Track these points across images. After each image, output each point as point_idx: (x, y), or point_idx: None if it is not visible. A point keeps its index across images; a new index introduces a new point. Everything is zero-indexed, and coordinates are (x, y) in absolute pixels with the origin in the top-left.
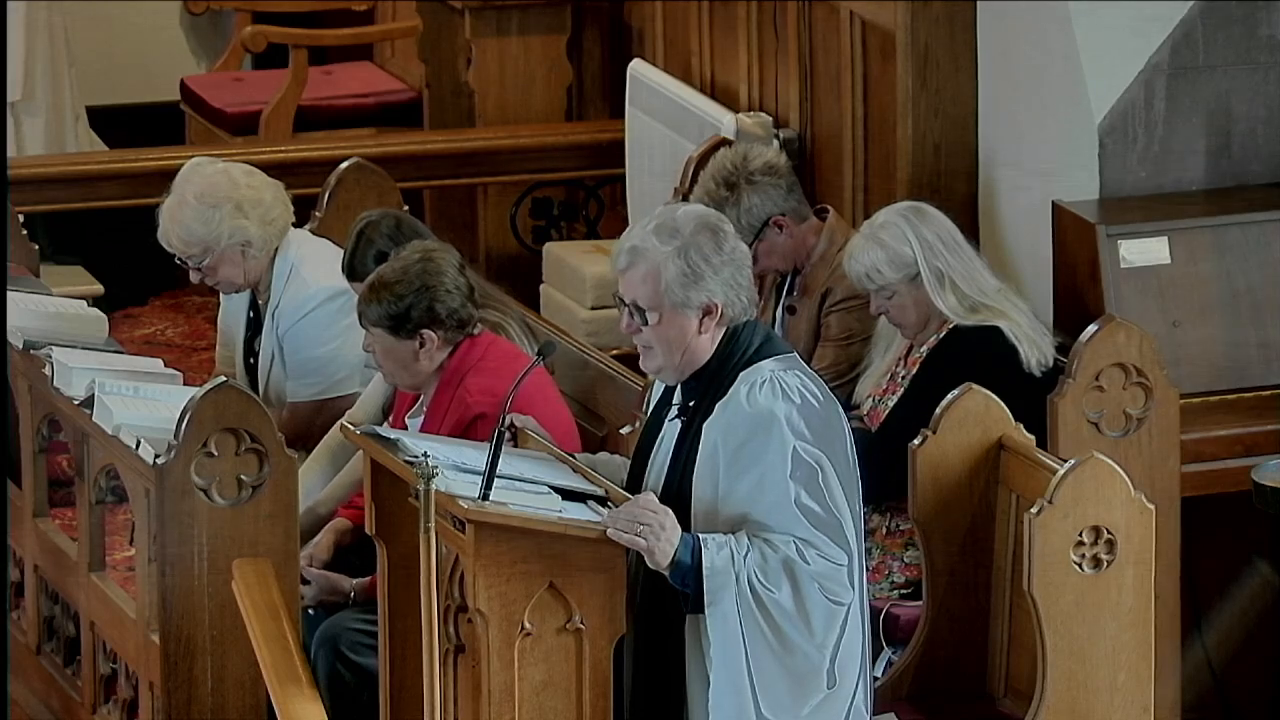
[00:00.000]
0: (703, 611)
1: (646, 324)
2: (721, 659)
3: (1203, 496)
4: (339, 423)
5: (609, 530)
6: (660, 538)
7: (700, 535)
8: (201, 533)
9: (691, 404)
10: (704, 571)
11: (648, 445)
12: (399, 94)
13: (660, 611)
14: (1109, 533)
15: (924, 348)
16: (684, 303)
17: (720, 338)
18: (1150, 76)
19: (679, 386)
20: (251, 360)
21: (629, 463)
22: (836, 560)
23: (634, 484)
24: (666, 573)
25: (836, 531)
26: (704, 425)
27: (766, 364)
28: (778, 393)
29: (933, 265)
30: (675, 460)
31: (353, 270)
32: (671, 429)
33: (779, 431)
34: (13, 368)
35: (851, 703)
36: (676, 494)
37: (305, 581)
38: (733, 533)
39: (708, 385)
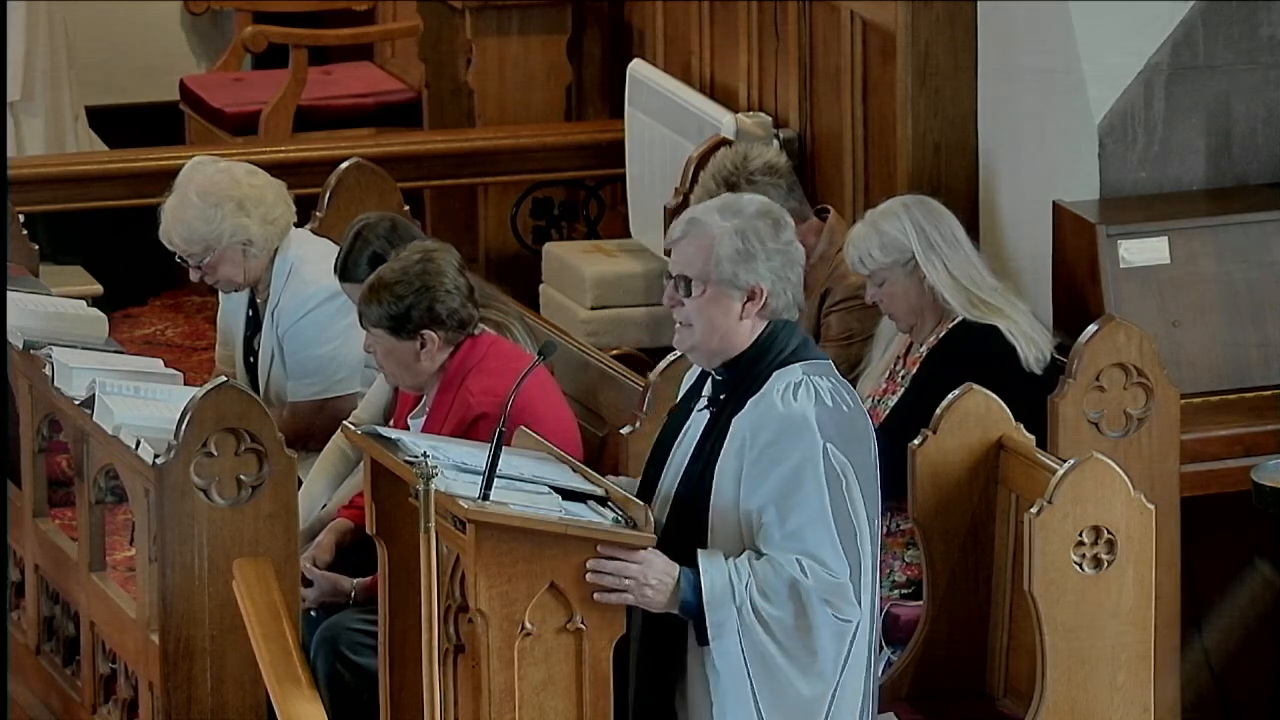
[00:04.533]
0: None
1: (690, 295)
2: (729, 688)
3: (1203, 496)
4: (343, 424)
5: (595, 595)
6: (646, 589)
7: (703, 561)
8: (201, 533)
9: (722, 396)
10: (704, 604)
11: (671, 435)
12: (399, 94)
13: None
14: (1109, 533)
15: (924, 347)
16: (731, 280)
17: (759, 331)
18: (1150, 76)
19: (710, 379)
20: (251, 360)
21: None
22: (839, 575)
23: (654, 472)
24: (674, 611)
25: (850, 540)
26: (733, 419)
27: (799, 367)
28: (811, 396)
29: (928, 254)
30: (699, 450)
31: (345, 271)
32: (699, 419)
33: (809, 434)
34: (13, 368)
35: (860, 716)
36: (697, 484)
37: (307, 583)
38: (750, 528)
39: (740, 379)
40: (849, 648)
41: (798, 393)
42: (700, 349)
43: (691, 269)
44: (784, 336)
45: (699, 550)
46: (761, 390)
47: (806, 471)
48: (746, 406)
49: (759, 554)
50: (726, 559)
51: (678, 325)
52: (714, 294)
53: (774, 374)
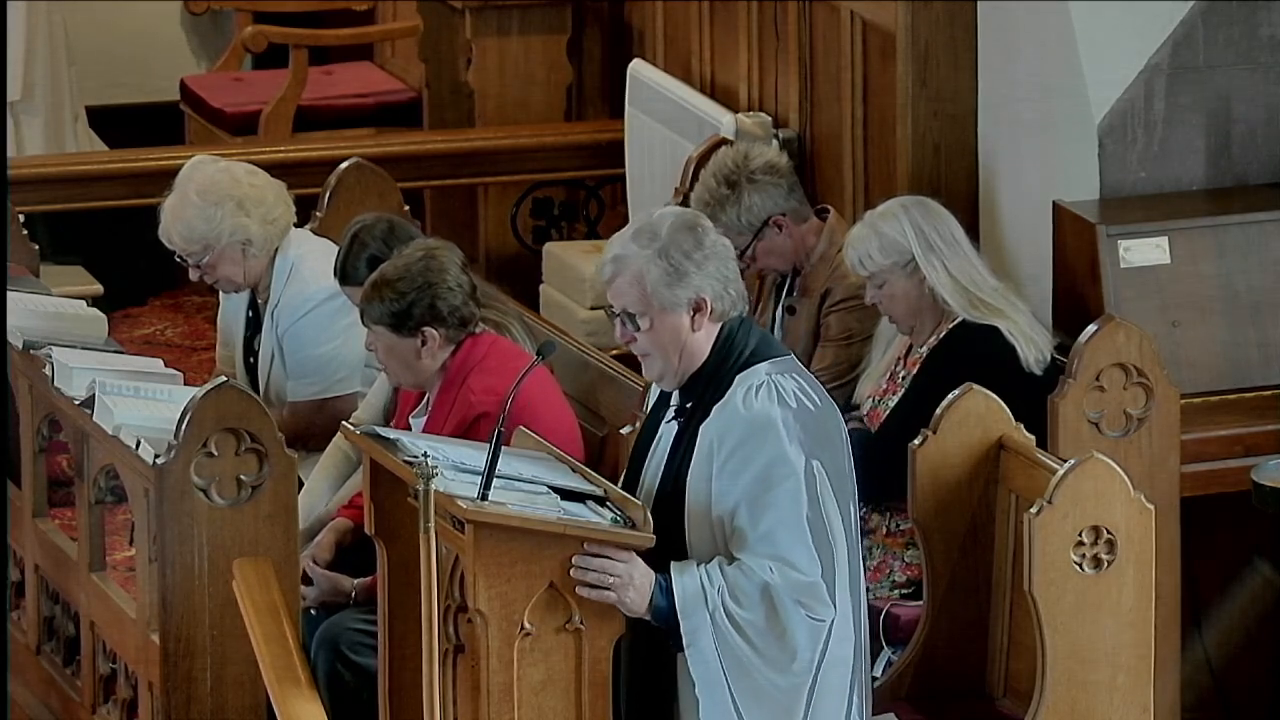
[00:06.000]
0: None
1: (639, 329)
2: (707, 695)
3: (1203, 496)
4: (342, 424)
5: (577, 588)
6: (629, 590)
7: (674, 569)
8: (201, 533)
9: (689, 405)
10: (677, 611)
11: (644, 447)
12: (399, 94)
13: None
14: (1109, 533)
15: (924, 348)
16: (672, 302)
17: (715, 336)
18: (1150, 76)
19: (676, 390)
20: (251, 360)
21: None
22: (810, 574)
23: (630, 485)
24: (647, 617)
25: (822, 539)
26: (700, 427)
27: (763, 367)
28: (774, 397)
29: (928, 256)
30: (670, 461)
31: (344, 274)
32: (668, 430)
33: (774, 436)
34: (13, 368)
35: (847, 716)
36: (671, 495)
37: (307, 582)
38: (723, 532)
39: (705, 387)
40: (824, 645)
41: (759, 394)
42: (669, 373)
43: (632, 304)
44: (740, 338)
45: (672, 562)
46: (725, 396)
47: (774, 473)
48: (712, 413)
49: (733, 559)
50: (699, 565)
51: (640, 358)
52: (661, 320)
53: (737, 378)
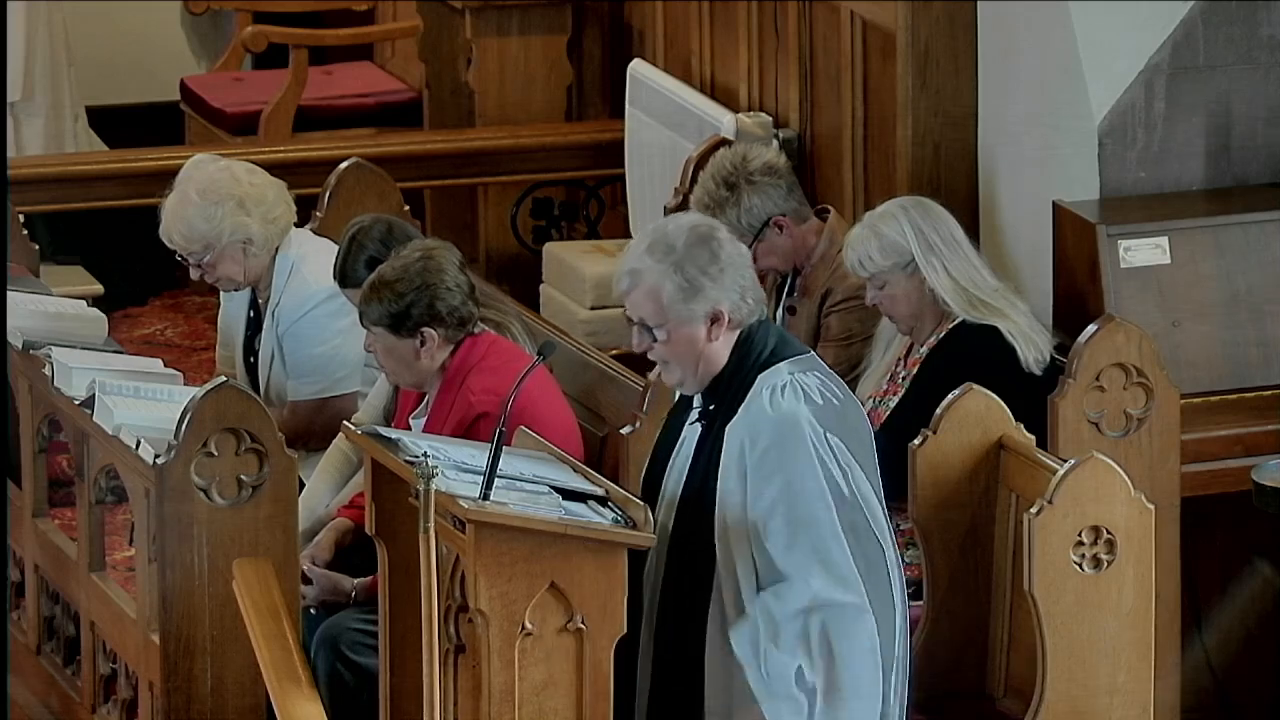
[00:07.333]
0: None
1: (657, 340)
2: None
3: (1203, 496)
4: (343, 424)
5: None
6: None
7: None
8: (201, 533)
9: (712, 408)
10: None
11: (665, 450)
12: (399, 94)
13: (680, 611)
14: (1109, 533)
15: (924, 348)
16: (689, 316)
17: (734, 341)
18: (1150, 76)
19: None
20: (252, 360)
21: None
22: (852, 591)
23: (651, 489)
24: None
25: (865, 530)
26: (726, 428)
27: (784, 365)
28: (799, 395)
29: (928, 257)
30: (696, 464)
31: (344, 276)
32: (691, 433)
33: (803, 435)
34: (13, 368)
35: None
36: (698, 497)
37: (307, 582)
38: (757, 536)
39: (726, 388)
40: (889, 651)
41: (785, 393)
42: (688, 380)
43: (648, 317)
44: (760, 338)
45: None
46: (749, 396)
47: (809, 482)
48: (738, 414)
49: (761, 561)
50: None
51: (659, 365)
52: (678, 332)
53: (759, 377)
